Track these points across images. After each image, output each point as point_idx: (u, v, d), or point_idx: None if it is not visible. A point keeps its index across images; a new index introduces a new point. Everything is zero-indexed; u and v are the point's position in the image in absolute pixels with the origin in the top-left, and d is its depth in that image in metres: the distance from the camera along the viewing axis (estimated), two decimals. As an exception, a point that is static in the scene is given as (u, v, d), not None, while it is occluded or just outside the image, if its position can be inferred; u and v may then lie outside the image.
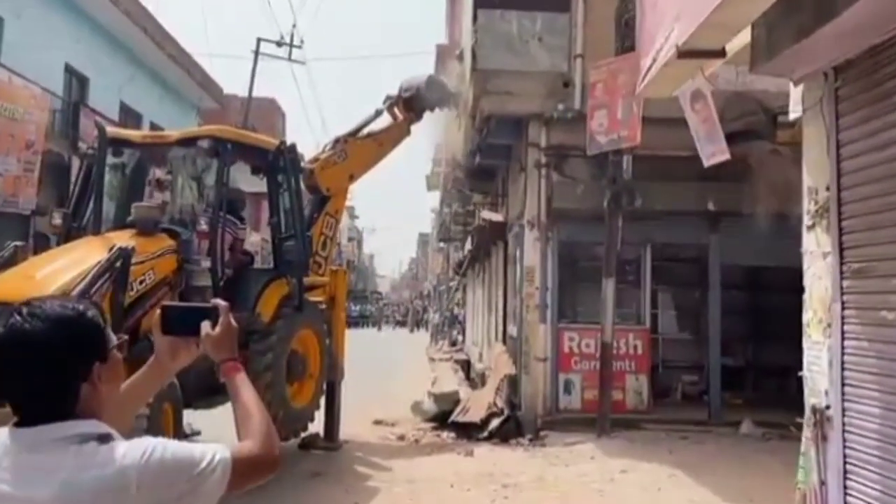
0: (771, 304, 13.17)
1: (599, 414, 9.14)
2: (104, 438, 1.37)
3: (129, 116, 18.76)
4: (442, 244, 36.08)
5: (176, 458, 1.37)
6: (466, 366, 19.73)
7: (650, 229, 10.11)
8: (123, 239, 5.86)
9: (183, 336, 1.71)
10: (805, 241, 4.35)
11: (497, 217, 11.91)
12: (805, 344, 4.43)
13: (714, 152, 5.04)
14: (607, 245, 9.40)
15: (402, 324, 46.19)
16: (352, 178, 9.10)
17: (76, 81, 17.02)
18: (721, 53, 4.33)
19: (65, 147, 14.91)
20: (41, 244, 9.53)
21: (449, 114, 11.59)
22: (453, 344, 26.42)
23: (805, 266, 4.37)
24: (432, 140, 18.63)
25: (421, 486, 6.88)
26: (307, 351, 7.40)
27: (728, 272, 10.66)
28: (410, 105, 9.64)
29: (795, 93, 4.52)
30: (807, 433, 4.25)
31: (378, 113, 9.59)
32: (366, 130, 9.33)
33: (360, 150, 9.00)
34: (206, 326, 1.67)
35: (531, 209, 10.19)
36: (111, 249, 5.47)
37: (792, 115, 4.62)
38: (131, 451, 1.35)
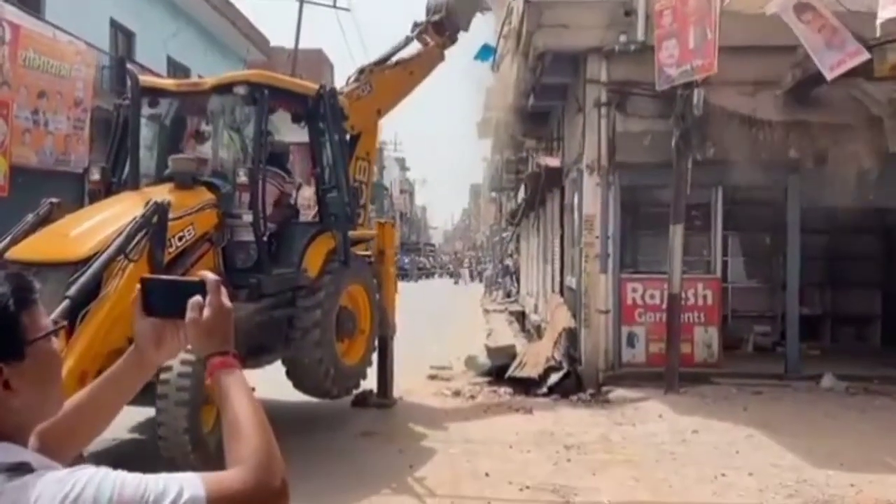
0: (849, 247, 12.35)
1: (667, 369, 8.62)
2: (16, 470, 0.97)
3: (177, 70, 18.59)
4: (494, 194, 35.47)
5: (117, 499, 0.96)
6: (521, 317, 19.37)
7: (721, 170, 9.35)
8: (161, 193, 5.55)
9: (170, 318, 1.30)
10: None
11: (553, 162, 11.27)
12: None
13: (842, 60, 4.34)
14: (675, 189, 8.72)
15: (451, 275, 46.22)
16: (380, 113, 8.42)
17: (122, 36, 16.86)
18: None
19: (113, 104, 14.81)
20: (92, 201, 9.40)
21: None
22: (508, 295, 26.06)
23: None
24: (483, 84, 17.93)
25: (478, 447, 6.56)
26: (357, 307, 7.07)
27: (804, 214, 9.85)
28: (441, 28, 8.97)
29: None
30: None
31: (409, 39, 8.89)
32: (395, 58, 8.64)
33: (387, 80, 8.31)
34: (193, 307, 1.26)
35: (591, 152, 9.54)
36: (147, 204, 5.17)
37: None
38: (50, 489, 0.95)
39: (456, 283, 41.31)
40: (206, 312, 1.25)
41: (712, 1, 8.07)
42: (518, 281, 24.96)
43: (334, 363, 6.56)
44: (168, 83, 6.94)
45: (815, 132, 9.01)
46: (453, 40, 9.18)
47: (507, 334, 15.49)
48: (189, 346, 1.30)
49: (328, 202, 6.43)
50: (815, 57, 7.55)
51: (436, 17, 8.90)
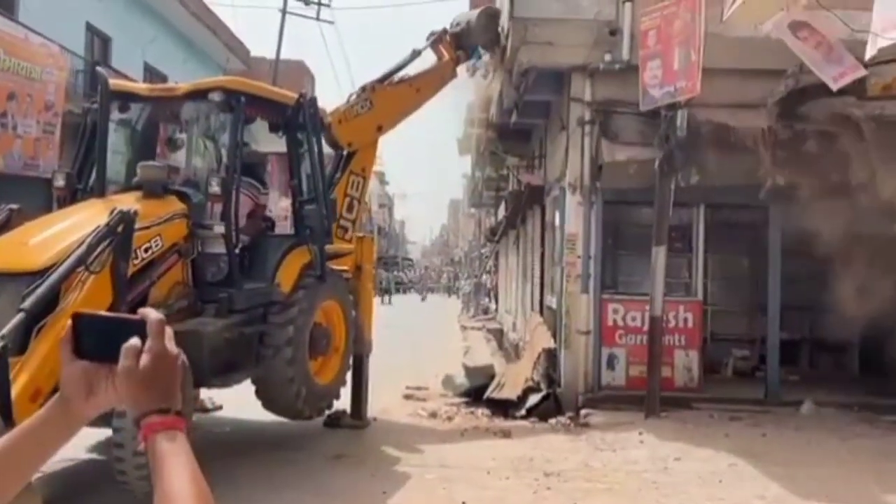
0: (829, 272, 12.32)
1: (648, 393, 8.46)
2: None
3: (154, 77, 18.25)
4: (473, 210, 35.40)
5: None
6: (500, 335, 19.18)
7: (703, 192, 9.28)
8: (127, 202, 5.29)
9: (105, 362, 1.07)
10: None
11: (535, 180, 11.14)
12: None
13: (843, 72, 4.25)
14: (658, 210, 8.61)
15: (432, 290, 45.64)
16: (380, 130, 8.20)
17: (98, 41, 16.51)
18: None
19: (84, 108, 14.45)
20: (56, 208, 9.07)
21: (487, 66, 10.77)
22: (485, 312, 25.88)
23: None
24: (465, 99, 17.84)
25: (455, 472, 6.32)
26: (332, 323, 6.83)
27: (784, 238, 9.81)
28: (459, 41, 8.78)
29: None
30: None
31: (416, 54, 8.65)
32: (400, 74, 8.45)
33: (390, 97, 8.12)
34: (128, 353, 1.03)
35: (573, 171, 9.41)
36: (113, 213, 4.91)
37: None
38: None
39: (423, 299, 38.62)
40: (144, 360, 1.01)
41: (697, 22, 8.03)
42: (496, 298, 24.80)
43: (306, 382, 6.31)
44: (140, 87, 6.68)
45: (798, 156, 8.99)
46: (469, 56, 9.03)
47: (484, 352, 15.28)
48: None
49: (305, 215, 6.19)
50: (816, 70, 7.48)
51: (456, 29, 8.74)
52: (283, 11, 25.52)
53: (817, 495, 5.58)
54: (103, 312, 1.17)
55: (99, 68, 7.12)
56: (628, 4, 9.18)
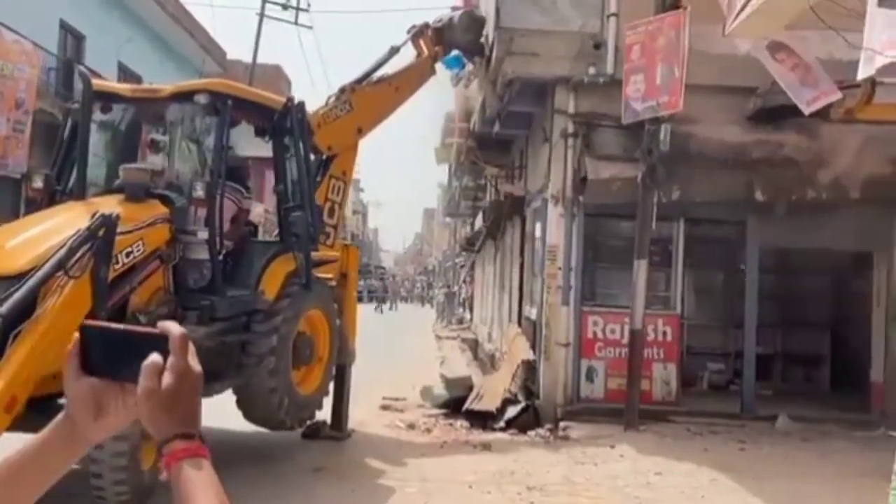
0: (801, 288, 12.54)
1: (627, 406, 8.47)
2: None
3: (128, 77, 17.93)
4: (448, 219, 35.38)
5: None
6: (474, 345, 19.14)
7: (683, 206, 9.37)
8: (109, 205, 5.15)
9: (118, 380, 0.98)
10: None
11: (518, 190, 11.15)
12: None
13: (817, 97, 4.29)
14: (640, 224, 8.66)
15: (405, 300, 45.17)
16: (360, 132, 8.11)
17: (71, 39, 16.19)
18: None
19: (59, 107, 14.13)
20: (32, 211, 8.80)
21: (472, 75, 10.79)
22: (459, 322, 25.83)
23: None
24: (443, 108, 17.83)
25: (435, 485, 6.24)
26: (315, 332, 6.71)
27: (759, 253, 9.95)
28: (440, 36, 8.75)
29: None
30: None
31: (394, 51, 8.57)
32: (379, 74, 8.36)
33: (369, 98, 8.02)
34: (149, 372, 0.94)
35: (556, 183, 9.43)
36: (94, 217, 4.76)
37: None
38: None
39: (381, 311, 34.41)
40: (167, 379, 0.93)
41: (681, 39, 8.11)
42: (471, 308, 24.77)
43: (289, 393, 6.19)
44: (123, 88, 6.52)
45: (774, 173, 9.13)
46: (448, 52, 9.01)
47: (460, 363, 15.23)
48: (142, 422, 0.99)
49: (291, 221, 6.08)
50: (790, 93, 7.61)
51: (439, 24, 8.71)
52: (261, 15, 25.34)
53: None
54: (115, 325, 1.08)
55: (81, 68, 6.93)
56: (613, 18, 9.27)
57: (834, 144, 9.06)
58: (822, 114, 7.95)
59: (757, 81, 8.52)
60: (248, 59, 25.34)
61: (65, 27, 15.71)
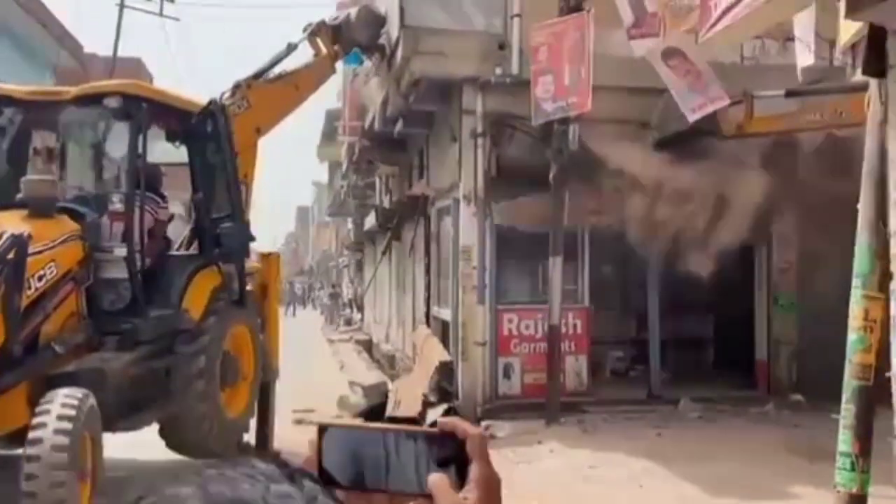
0: (686, 276, 13.35)
1: (548, 400, 8.65)
2: None
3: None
4: (329, 219, 34.69)
5: None
6: (368, 345, 18.91)
7: (588, 201, 9.66)
8: (13, 223, 4.55)
9: (370, 493, 0.81)
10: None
11: (427, 190, 11.07)
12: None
13: (702, 104, 4.48)
14: (553, 221, 8.84)
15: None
16: (259, 132, 7.58)
17: None
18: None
19: None
20: None
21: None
22: (348, 322, 25.44)
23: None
24: (322, 105, 17.40)
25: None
26: (240, 350, 6.30)
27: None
28: (337, 35, 8.48)
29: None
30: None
31: (292, 48, 8.20)
32: (278, 71, 7.99)
33: (268, 95, 7.58)
34: (441, 489, 0.77)
35: (467, 183, 9.44)
36: (2, 237, 4.19)
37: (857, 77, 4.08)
38: None
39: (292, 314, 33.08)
40: (473, 497, 0.77)
41: (586, 40, 8.34)
42: (360, 308, 24.44)
43: (218, 417, 5.77)
44: (17, 90, 5.77)
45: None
46: (347, 52, 8.72)
47: (360, 366, 14.96)
48: None
49: (221, 232, 5.65)
50: (678, 99, 8.02)
51: (335, 22, 8.40)
52: (121, 6, 23.69)
53: (728, 488, 5.94)
54: (375, 424, 0.90)
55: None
56: (517, 19, 9.37)
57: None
58: (712, 131, 8.40)
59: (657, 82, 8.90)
60: (106, 52, 23.65)
61: None
